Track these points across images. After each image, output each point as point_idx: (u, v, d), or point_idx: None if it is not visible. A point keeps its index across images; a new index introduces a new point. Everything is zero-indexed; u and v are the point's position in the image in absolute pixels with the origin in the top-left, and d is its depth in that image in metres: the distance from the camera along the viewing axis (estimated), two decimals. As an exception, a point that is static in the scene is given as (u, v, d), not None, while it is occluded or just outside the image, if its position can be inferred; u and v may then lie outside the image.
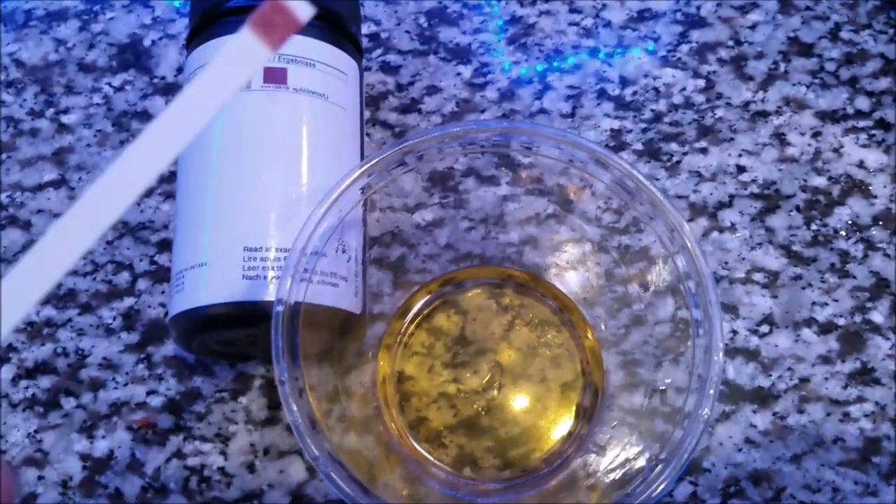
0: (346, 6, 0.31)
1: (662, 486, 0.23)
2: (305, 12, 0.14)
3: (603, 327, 0.31)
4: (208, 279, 0.27)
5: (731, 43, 0.37)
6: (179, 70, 0.36)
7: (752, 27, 0.37)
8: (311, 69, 0.29)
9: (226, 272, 0.26)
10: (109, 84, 0.36)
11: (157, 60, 0.37)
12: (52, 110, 0.36)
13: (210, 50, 0.29)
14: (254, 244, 0.26)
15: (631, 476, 0.25)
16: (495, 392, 0.31)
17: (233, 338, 0.28)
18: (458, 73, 0.36)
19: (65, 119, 0.36)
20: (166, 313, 0.32)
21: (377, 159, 0.26)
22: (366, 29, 0.37)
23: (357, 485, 0.23)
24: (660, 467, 0.23)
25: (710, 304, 0.25)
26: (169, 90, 0.36)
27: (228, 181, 0.27)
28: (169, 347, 0.32)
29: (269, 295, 0.26)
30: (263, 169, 0.27)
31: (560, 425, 0.30)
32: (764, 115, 0.35)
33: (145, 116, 0.36)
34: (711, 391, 0.24)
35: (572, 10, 0.37)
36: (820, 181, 0.34)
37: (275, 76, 0.28)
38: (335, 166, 0.28)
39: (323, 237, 0.26)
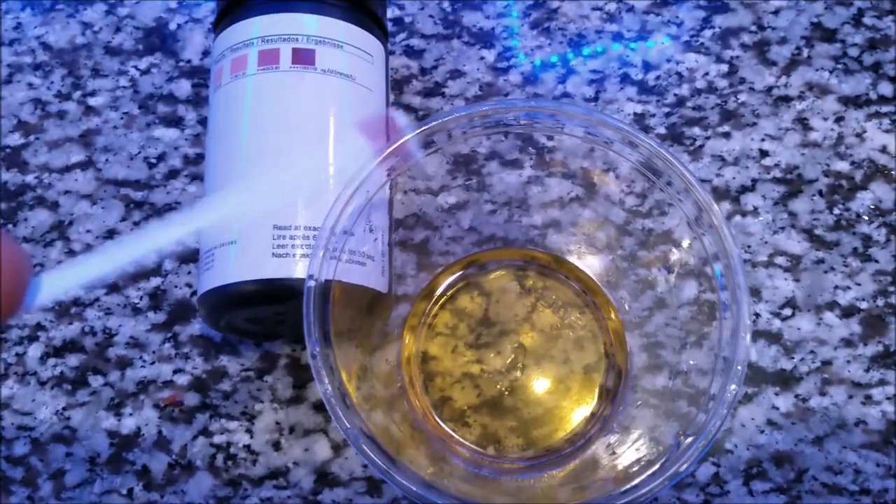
0: (373, -11, 0.31)
1: (688, 463, 0.23)
2: None
3: (627, 309, 0.31)
4: (238, 257, 0.27)
5: (754, 28, 0.37)
6: (205, 53, 0.37)
7: (776, 12, 0.37)
8: (339, 50, 0.29)
9: (255, 250, 0.27)
10: (136, 67, 0.37)
11: (182, 44, 0.37)
12: (79, 93, 0.36)
13: (238, 32, 0.29)
14: (283, 222, 0.27)
15: (653, 456, 0.26)
16: (518, 373, 0.31)
17: (261, 315, 0.28)
18: (482, 58, 0.36)
19: (91, 101, 0.36)
20: (193, 292, 0.33)
21: (405, 139, 0.26)
22: (390, 13, 0.37)
23: (387, 458, 0.23)
24: (688, 441, 0.24)
25: (737, 286, 0.25)
26: (194, 73, 0.36)
27: (257, 159, 0.28)
28: (195, 327, 0.33)
29: (298, 273, 0.26)
30: (292, 148, 0.28)
31: (583, 406, 0.31)
32: (787, 99, 0.35)
33: (171, 99, 0.36)
34: (739, 367, 0.24)
35: (595, -5, 0.37)
36: (842, 166, 0.34)
37: (303, 57, 0.28)
38: (361, 146, 0.28)
39: (352, 217, 0.26)
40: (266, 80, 0.28)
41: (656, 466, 0.24)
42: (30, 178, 0.35)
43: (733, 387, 0.24)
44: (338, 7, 0.30)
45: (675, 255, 0.30)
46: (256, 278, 0.27)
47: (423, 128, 0.26)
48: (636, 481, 0.24)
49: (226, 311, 0.28)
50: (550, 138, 0.32)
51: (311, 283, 0.24)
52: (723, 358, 0.25)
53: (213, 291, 0.27)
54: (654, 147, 0.26)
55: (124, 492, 0.31)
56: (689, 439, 0.23)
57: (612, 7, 0.37)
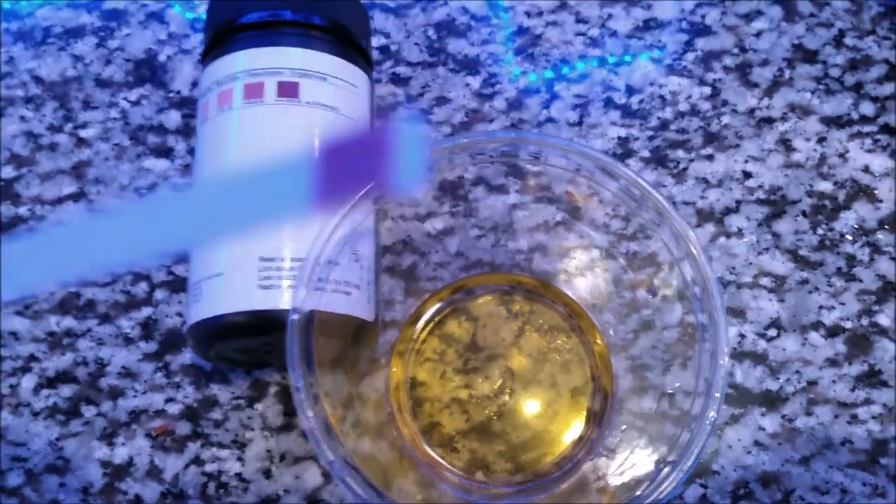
0: (356, 20, 0.32)
1: (670, 488, 0.23)
2: None
3: (612, 332, 0.32)
4: (225, 289, 0.27)
5: (735, 50, 0.37)
6: (194, 84, 0.37)
7: (757, 35, 0.37)
8: (323, 83, 0.29)
9: (242, 282, 0.27)
10: (126, 99, 0.37)
11: (172, 75, 0.38)
12: (70, 125, 0.37)
13: (224, 66, 0.30)
14: (269, 254, 0.27)
15: (640, 478, 0.26)
16: (507, 397, 0.31)
17: (249, 346, 0.29)
18: (467, 84, 0.37)
19: (83, 133, 0.37)
20: (184, 323, 0.33)
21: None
22: (376, 42, 0.38)
23: (372, 489, 0.23)
24: (667, 469, 0.24)
25: (715, 310, 0.26)
26: (184, 104, 0.37)
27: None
28: (186, 356, 0.33)
29: (284, 303, 0.27)
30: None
31: (571, 429, 0.31)
32: (769, 121, 0.36)
33: (161, 130, 0.37)
34: (717, 394, 0.24)
35: (579, 21, 0.38)
36: (826, 186, 0.35)
37: (287, 90, 0.29)
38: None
39: (336, 246, 0.26)
40: (251, 114, 0.29)
41: (641, 489, 0.25)
42: (22, 210, 0.35)
43: (712, 413, 0.24)
44: (322, 40, 0.30)
45: (658, 278, 0.30)
46: (243, 310, 0.27)
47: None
48: (620, 506, 0.24)
49: (214, 342, 0.28)
50: (536, 160, 0.32)
51: (295, 317, 0.25)
52: (704, 379, 0.26)
53: (202, 323, 0.28)
54: (631, 177, 0.27)
55: (117, 521, 0.31)
56: (667, 469, 0.24)
57: (595, 32, 0.38)
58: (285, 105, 0.29)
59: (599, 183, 0.28)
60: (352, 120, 0.30)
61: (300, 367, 0.24)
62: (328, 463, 0.23)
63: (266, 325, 0.27)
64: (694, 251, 0.26)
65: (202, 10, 0.39)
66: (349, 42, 0.31)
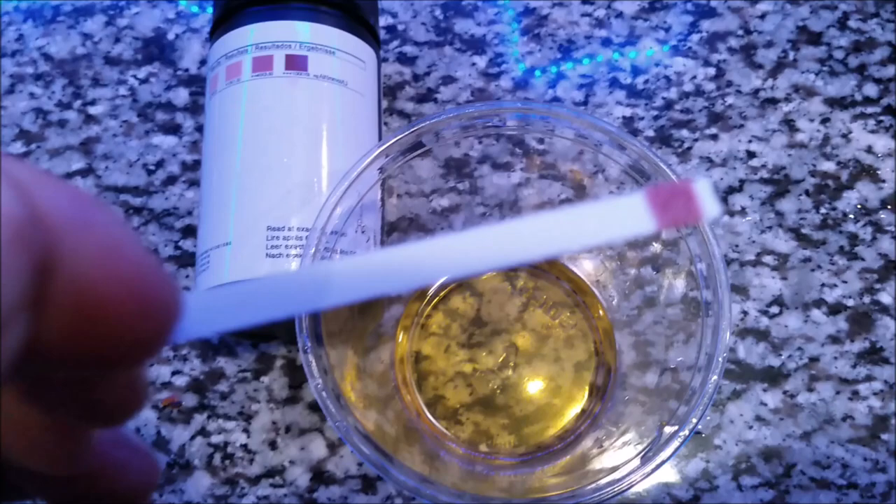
0: (365, -3, 0.32)
1: (671, 451, 0.24)
2: (711, 211, 0.13)
3: (616, 308, 0.32)
4: (233, 257, 0.28)
5: (740, 32, 0.37)
6: (202, 62, 0.38)
7: (762, 17, 0.38)
8: (331, 57, 0.30)
9: (250, 250, 0.27)
10: (135, 76, 0.38)
11: (180, 53, 0.38)
12: (79, 102, 0.37)
13: (233, 40, 0.30)
14: (276, 224, 0.27)
15: (641, 450, 0.26)
16: (510, 371, 0.31)
17: (256, 316, 0.29)
18: (473, 64, 0.37)
19: (92, 110, 0.37)
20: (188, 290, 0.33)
21: (394, 140, 0.27)
22: (383, 21, 0.38)
23: (382, 453, 0.24)
24: (671, 430, 0.24)
25: (720, 285, 0.26)
26: (192, 82, 0.37)
27: (252, 164, 0.28)
28: (193, 329, 0.33)
29: (292, 272, 0.27)
30: (285, 152, 0.28)
31: (574, 403, 0.31)
32: (773, 102, 0.36)
33: (169, 107, 0.37)
34: (720, 359, 0.24)
35: (585, 2, 0.38)
36: (829, 166, 0.35)
37: (296, 63, 0.29)
38: (354, 149, 0.29)
39: (342, 217, 0.27)
40: (260, 86, 0.29)
41: (640, 456, 0.25)
42: (31, 186, 0.36)
43: (714, 377, 0.24)
44: (330, 15, 0.30)
45: (662, 256, 0.30)
46: (251, 278, 0.27)
47: (411, 130, 0.27)
48: (622, 472, 0.24)
49: (221, 311, 0.28)
50: (541, 142, 0.32)
51: (303, 281, 0.25)
52: (706, 354, 0.26)
53: (208, 292, 0.28)
54: (642, 149, 0.27)
55: (124, 491, 0.31)
56: (673, 428, 0.24)
57: (601, 13, 0.38)
58: (294, 78, 0.29)
59: (607, 155, 0.28)
60: (359, 94, 0.30)
61: (308, 332, 0.24)
62: (336, 426, 0.24)
63: (273, 293, 0.27)
64: (701, 227, 0.26)
65: (210, -10, 0.39)
66: (357, 18, 0.31)
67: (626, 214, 0.13)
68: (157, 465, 0.17)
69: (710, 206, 0.13)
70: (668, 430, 0.24)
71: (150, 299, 0.11)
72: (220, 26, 0.31)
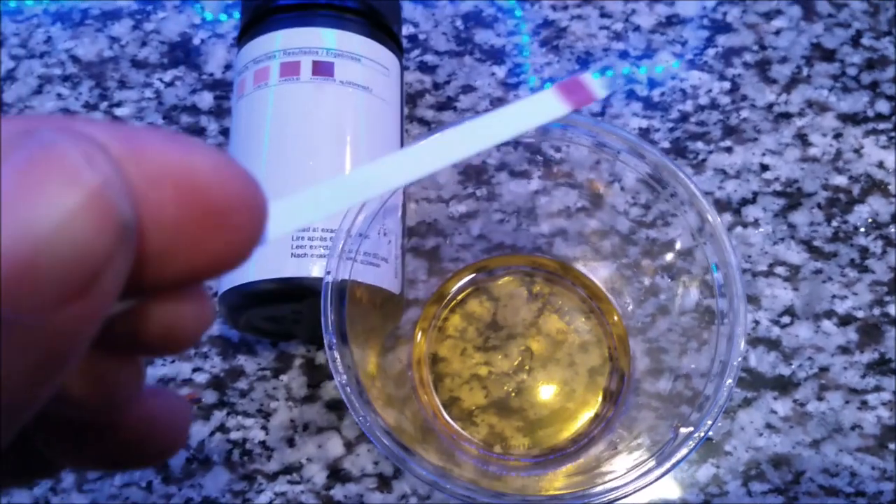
0: (389, 6, 0.33)
1: (686, 451, 0.24)
2: (601, 91, 0.17)
3: (630, 315, 0.32)
4: (258, 256, 0.28)
5: (755, 48, 0.38)
6: (227, 67, 0.38)
7: (777, 33, 0.38)
8: (357, 63, 0.30)
9: (275, 250, 0.28)
10: (160, 79, 0.38)
11: (205, 58, 0.39)
12: (105, 103, 0.38)
13: (261, 45, 0.31)
14: (302, 224, 0.28)
15: (653, 451, 0.27)
16: (525, 375, 0.32)
17: (279, 314, 0.29)
18: (493, 73, 0.38)
19: (118, 112, 0.38)
20: (215, 293, 0.34)
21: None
22: (405, 31, 0.39)
23: (402, 447, 0.24)
24: (686, 431, 0.25)
25: (735, 294, 0.27)
26: (216, 86, 0.38)
27: (278, 165, 0.29)
28: (214, 327, 0.34)
29: (316, 272, 0.28)
30: (310, 154, 0.29)
31: (587, 408, 0.32)
32: (787, 116, 0.37)
33: (194, 110, 0.38)
34: (735, 363, 0.25)
35: (603, 15, 0.39)
36: (841, 180, 0.35)
37: (323, 69, 0.30)
38: (377, 154, 0.30)
39: (366, 220, 0.27)
40: (287, 90, 0.30)
41: (654, 456, 0.25)
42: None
43: (729, 381, 0.25)
44: (356, 23, 0.31)
45: (677, 264, 0.31)
46: (276, 277, 0.28)
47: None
48: (637, 472, 0.25)
49: (246, 309, 0.29)
50: (558, 150, 0.33)
51: (329, 279, 0.26)
52: (720, 362, 0.27)
53: (234, 290, 0.29)
54: (660, 158, 0.28)
55: (143, 485, 0.32)
56: (688, 429, 0.25)
57: (618, 26, 0.39)
58: (320, 83, 0.30)
59: (624, 163, 0.29)
60: (383, 100, 0.31)
61: (334, 330, 0.25)
62: (360, 419, 0.24)
63: (298, 292, 0.28)
64: (718, 234, 0.27)
65: (236, -4, 0.40)
66: (381, 26, 0.32)
67: (544, 105, 0.16)
68: (190, 412, 0.17)
69: (600, 88, 0.17)
70: (683, 431, 0.25)
71: (252, 195, 0.13)
72: (248, 31, 0.32)
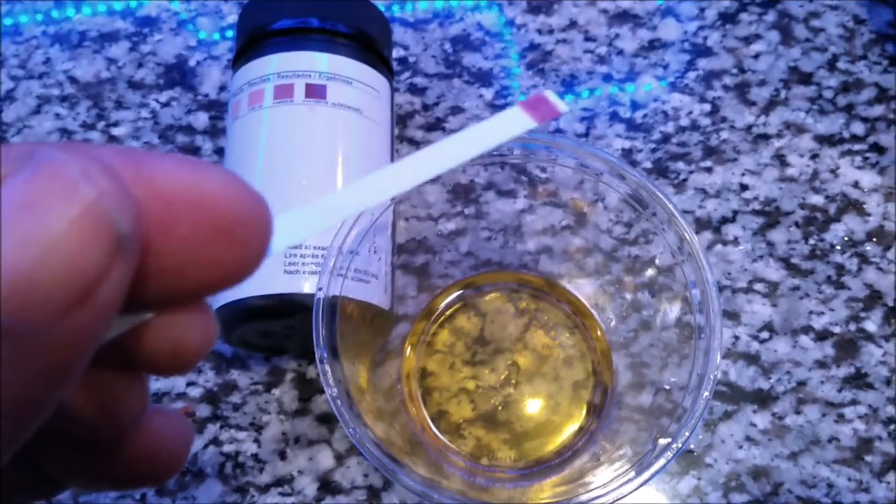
0: (380, 30, 0.34)
1: (665, 460, 0.25)
2: (563, 107, 0.18)
3: (613, 330, 0.33)
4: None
5: (735, 71, 0.39)
6: (222, 88, 0.39)
7: (756, 57, 0.39)
8: (348, 86, 0.32)
9: (268, 266, 0.29)
10: (156, 100, 0.39)
11: (200, 79, 0.40)
12: (102, 123, 0.39)
13: (256, 68, 0.32)
14: (294, 242, 0.29)
15: (635, 465, 0.27)
16: (511, 389, 0.33)
17: (271, 329, 0.30)
18: (481, 95, 0.39)
19: (115, 131, 0.39)
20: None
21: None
22: (395, 53, 0.40)
23: (391, 459, 0.25)
24: (664, 442, 0.25)
25: (712, 311, 0.28)
26: (211, 106, 0.39)
27: (272, 184, 0.30)
28: (208, 342, 0.34)
29: (307, 288, 0.29)
30: (304, 174, 0.30)
31: (572, 420, 0.33)
32: (765, 137, 0.38)
33: (189, 130, 0.39)
34: (712, 377, 0.26)
35: (587, 39, 0.40)
36: (817, 199, 0.36)
37: (316, 91, 0.31)
38: (368, 174, 0.31)
39: (357, 238, 0.28)
40: (281, 112, 0.31)
41: (634, 468, 0.26)
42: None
43: (706, 393, 0.26)
44: (348, 47, 0.32)
45: (658, 281, 0.32)
46: (268, 293, 0.29)
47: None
48: (618, 482, 0.26)
49: (239, 324, 0.30)
50: (543, 170, 0.34)
51: (320, 295, 0.26)
52: (698, 375, 0.28)
53: (228, 306, 0.29)
54: (640, 179, 0.29)
55: (138, 497, 0.32)
56: (666, 440, 0.25)
57: (602, 50, 0.40)
58: (313, 105, 0.31)
59: (607, 184, 0.30)
60: (374, 122, 0.32)
61: (325, 344, 0.26)
62: (350, 431, 0.25)
63: (290, 308, 0.29)
64: (696, 252, 0.28)
65: (232, 19, 0.41)
66: (372, 50, 0.33)
67: (512, 120, 0.17)
68: (192, 432, 0.18)
69: (561, 105, 0.18)
70: (661, 441, 0.26)
71: (260, 211, 0.13)
72: (243, 55, 0.33)
